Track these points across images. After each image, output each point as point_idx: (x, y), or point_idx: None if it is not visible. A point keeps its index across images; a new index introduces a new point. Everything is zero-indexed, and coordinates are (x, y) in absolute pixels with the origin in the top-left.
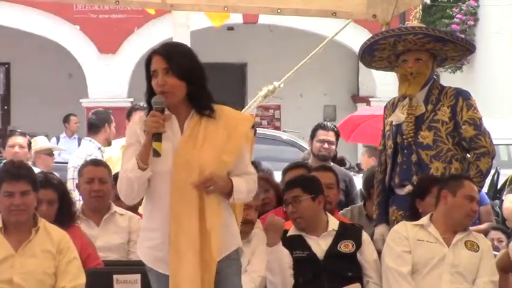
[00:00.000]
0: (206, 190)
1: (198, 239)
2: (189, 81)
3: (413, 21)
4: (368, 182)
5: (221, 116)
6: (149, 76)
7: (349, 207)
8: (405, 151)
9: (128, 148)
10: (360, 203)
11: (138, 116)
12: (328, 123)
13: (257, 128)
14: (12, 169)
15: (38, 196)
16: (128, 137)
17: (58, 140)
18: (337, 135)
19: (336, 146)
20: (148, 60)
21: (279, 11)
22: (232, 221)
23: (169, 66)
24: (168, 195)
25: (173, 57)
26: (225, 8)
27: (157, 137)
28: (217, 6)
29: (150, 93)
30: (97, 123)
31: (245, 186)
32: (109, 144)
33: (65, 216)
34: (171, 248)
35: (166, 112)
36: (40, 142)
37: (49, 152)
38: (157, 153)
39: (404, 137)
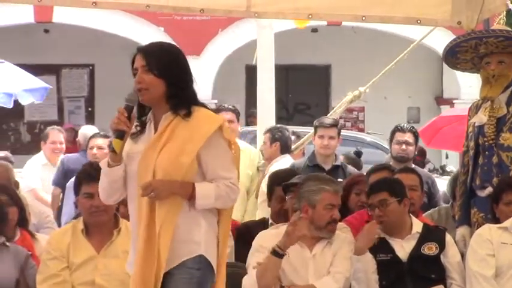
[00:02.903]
0: (149, 197)
1: (153, 246)
2: (168, 80)
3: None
4: (454, 183)
5: (193, 118)
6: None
7: (436, 208)
8: (486, 153)
9: None
10: (446, 204)
11: None
12: (406, 124)
13: (341, 130)
14: (91, 171)
15: None
16: None
17: None
18: (416, 136)
19: (416, 147)
20: (132, 60)
21: (363, 18)
22: (195, 229)
23: (147, 63)
24: (136, 198)
25: (152, 55)
26: (309, 16)
27: (118, 134)
28: (301, 14)
29: None
30: None
31: (213, 192)
32: None
33: None
34: (136, 252)
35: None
36: None
37: None
38: (113, 150)
39: (485, 138)
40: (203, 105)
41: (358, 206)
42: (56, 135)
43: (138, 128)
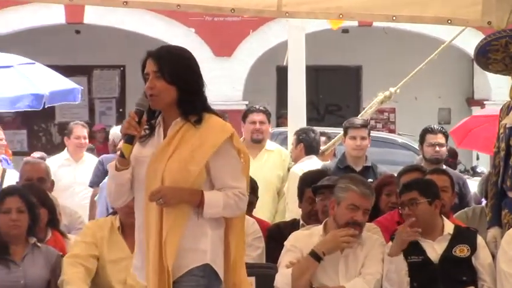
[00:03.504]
0: (157, 203)
1: (160, 253)
2: (179, 86)
3: None
4: (486, 184)
5: (203, 126)
6: (144, 80)
7: (467, 209)
8: None
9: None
10: (477, 205)
11: None
12: (435, 125)
13: (372, 131)
14: None
15: None
16: None
17: None
18: (446, 136)
19: (446, 147)
20: (143, 63)
21: (394, 18)
22: (201, 238)
23: (159, 69)
24: (143, 203)
25: (164, 60)
26: (340, 16)
27: (128, 138)
28: (332, 13)
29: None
30: None
31: (222, 200)
32: None
33: None
34: (145, 259)
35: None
36: None
37: None
38: (122, 155)
39: None
40: (214, 112)
41: (389, 207)
42: (80, 130)
43: (147, 132)
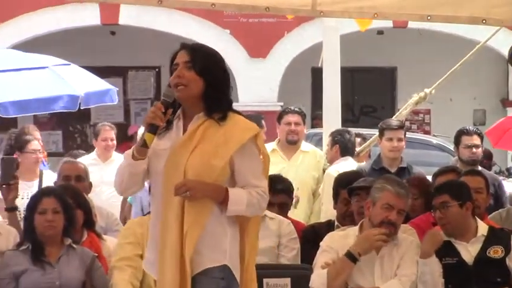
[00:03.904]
0: (183, 196)
1: (180, 247)
2: (208, 80)
3: None
4: None
5: (227, 123)
6: (171, 72)
7: (505, 208)
8: None
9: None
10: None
11: None
12: (470, 127)
13: (407, 132)
14: None
15: None
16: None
17: None
18: (481, 137)
19: (482, 149)
20: (173, 57)
21: (428, 17)
22: (222, 237)
23: (190, 59)
24: (160, 197)
25: (198, 52)
26: (375, 15)
27: (151, 128)
28: (367, 13)
29: None
30: None
31: (245, 199)
32: None
33: None
34: (158, 253)
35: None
36: None
37: None
38: (145, 144)
39: None
40: (239, 112)
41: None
42: (107, 132)
43: (165, 124)
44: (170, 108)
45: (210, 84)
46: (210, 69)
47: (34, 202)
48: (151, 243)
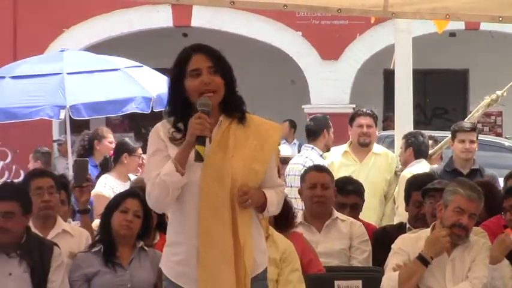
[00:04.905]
0: (244, 204)
1: (233, 255)
2: (227, 83)
3: None
4: None
5: (250, 124)
6: (177, 76)
7: None
8: None
9: (154, 154)
10: None
11: (160, 123)
12: None
13: (479, 135)
14: None
15: None
16: (152, 143)
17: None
18: None
19: None
20: (183, 59)
21: (500, 18)
22: (262, 239)
23: (213, 64)
24: (196, 208)
25: (216, 56)
26: (447, 16)
27: (200, 140)
28: (439, 14)
29: (178, 96)
30: (315, 130)
31: (275, 199)
32: (328, 150)
33: (284, 222)
34: (200, 264)
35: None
36: (281, 150)
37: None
38: (200, 158)
39: None
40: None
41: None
42: None
43: (179, 135)
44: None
45: (228, 87)
46: (228, 70)
47: (117, 200)
48: (186, 257)
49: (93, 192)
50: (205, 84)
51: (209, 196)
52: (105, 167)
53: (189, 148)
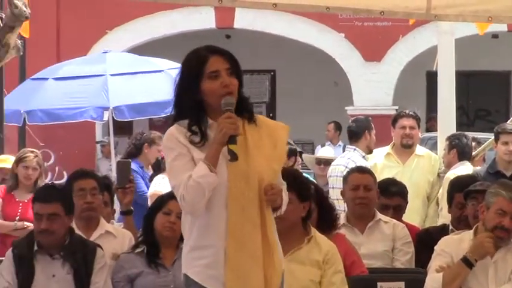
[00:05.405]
0: (273, 204)
1: (262, 256)
2: (241, 84)
3: None
4: None
5: (261, 125)
6: (192, 77)
7: None
8: None
9: (176, 159)
10: None
11: (173, 128)
12: None
13: None
14: None
15: None
16: (170, 149)
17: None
18: None
19: None
20: (200, 61)
21: None
22: (277, 237)
23: (230, 66)
24: (223, 209)
25: (232, 58)
26: (489, 19)
27: (232, 139)
28: (481, 16)
29: (192, 99)
30: (357, 131)
31: (286, 197)
32: (370, 151)
33: (326, 223)
34: (227, 266)
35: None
36: (323, 152)
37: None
38: (235, 157)
39: None
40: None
41: None
42: None
43: (197, 138)
44: None
45: (241, 87)
46: (240, 71)
47: (160, 202)
48: (214, 259)
49: (149, 191)
50: (226, 86)
51: (237, 196)
52: (157, 169)
53: (221, 148)
